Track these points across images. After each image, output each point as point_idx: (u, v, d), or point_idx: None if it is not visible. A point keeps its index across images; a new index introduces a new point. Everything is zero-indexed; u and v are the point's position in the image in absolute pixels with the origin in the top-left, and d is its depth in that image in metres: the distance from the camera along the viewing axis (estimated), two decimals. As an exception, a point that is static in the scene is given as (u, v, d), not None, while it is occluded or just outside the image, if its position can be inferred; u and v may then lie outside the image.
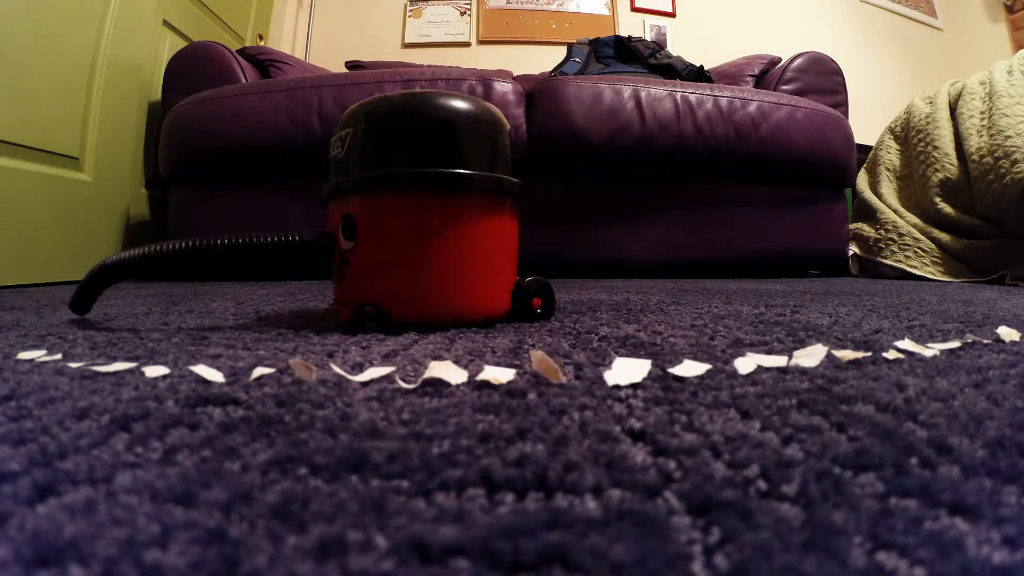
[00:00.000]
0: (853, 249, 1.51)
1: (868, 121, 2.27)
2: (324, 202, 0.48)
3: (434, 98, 0.43)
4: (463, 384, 0.26)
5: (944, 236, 1.33)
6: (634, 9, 2.67)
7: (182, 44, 1.56)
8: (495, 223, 0.45)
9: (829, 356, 0.32)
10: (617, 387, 0.25)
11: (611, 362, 0.30)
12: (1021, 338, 0.39)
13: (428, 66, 1.72)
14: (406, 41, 2.57)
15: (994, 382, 0.26)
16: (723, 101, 1.30)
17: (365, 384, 0.26)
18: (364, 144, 0.44)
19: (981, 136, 1.30)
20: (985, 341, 0.37)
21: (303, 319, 0.50)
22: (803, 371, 0.28)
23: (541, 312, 0.49)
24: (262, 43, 2.25)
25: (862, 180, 1.63)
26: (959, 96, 1.44)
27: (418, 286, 0.43)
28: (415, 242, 0.43)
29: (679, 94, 1.29)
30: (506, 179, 0.45)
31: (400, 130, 0.43)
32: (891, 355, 0.32)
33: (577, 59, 1.74)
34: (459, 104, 0.44)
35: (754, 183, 1.35)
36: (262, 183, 1.27)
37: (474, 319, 0.45)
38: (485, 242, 0.45)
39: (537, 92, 1.29)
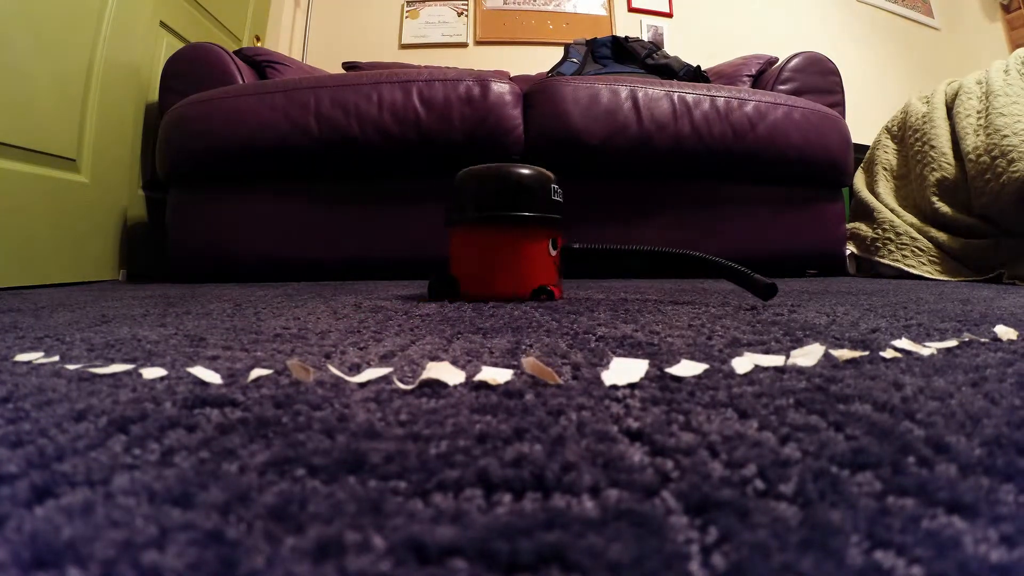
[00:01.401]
0: (850, 248, 1.51)
1: (865, 121, 2.28)
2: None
3: (508, 168, 0.70)
4: (460, 385, 0.26)
5: (941, 235, 1.33)
6: (631, 9, 2.67)
7: (179, 45, 1.56)
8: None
9: (827, 355, 0.32)
10: (615, 387, 0.25)
11: (608, 362, 0.30)
12: (1018, 337, 0.39)
13: (425, 67, 1.72)
14: (403, 42, 2.57)
15: (991, 381, 0.26)
16: (720, 101, 1.30)
17: (363, 385, 0.26)
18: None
19: (978, 135, 1.31)
20: (982, 340, 0.38)
21: (300, 319, 0.50)
22: (800, 370, 0.28)
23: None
24: (259, 44, 2.25)
25: (859, 180, 1.63)
26: (956, 95, 1.45)
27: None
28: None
29: (676, 94, 1.29)
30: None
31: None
32: (888, 354, 0.32)
33: (574, 59, 1.74)
34: (522, 171, 0.69)
35: (751, 183, 1.35)
36: (260, 184, 1.27)
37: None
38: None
39: (534, 93, 1.29)
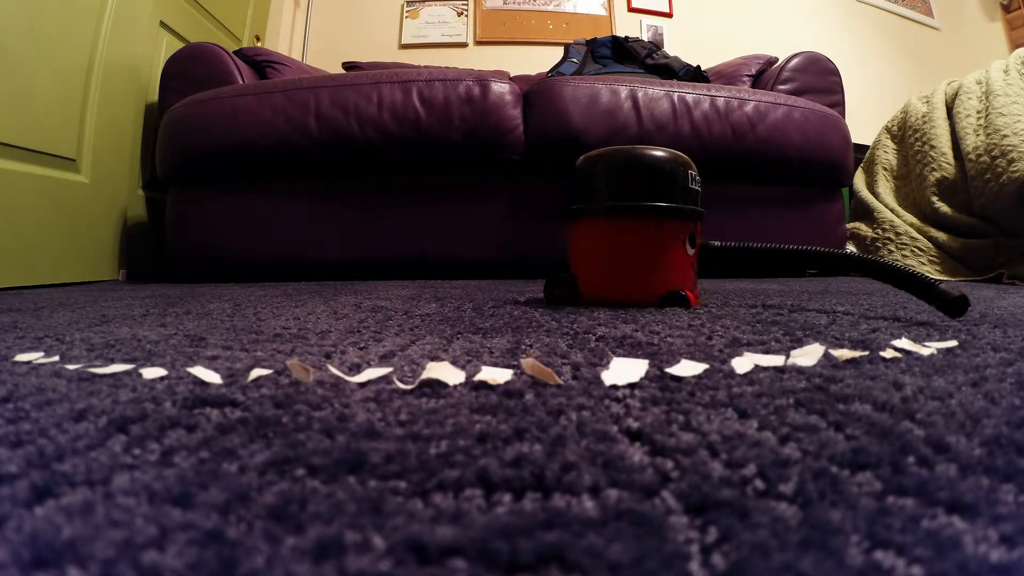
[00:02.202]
0: (850, 248, 1.52)
1: (865, 121, 2.28)
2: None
3: (640, 150, 0.62)
4: (460, 385, 0.26)
5: (941, 235, 1.33)
6: (631, 9, 2.67)
7: (179, 45, 1.56)
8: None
9: (826, 355, 0.32)
10: (614, 387, 0.25)
11: (608, 362, 0.30)
12: (1018, 336, 0.39)
13: (425, 67, 1.72)
14: (403, 42, 2.57)
15: (991, 380, 0.26)
16: (720, 101, 1.30)
17: (363, 385, 0.26)
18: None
19: (978, 135, 1.31)
20: (982, 340, 0.38)
21: (300, 319, 0.50)
22: (800, 370, 0.28)
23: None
24: (259, 44, 2.25)
25: (859, 180, 1.63)
26: (956, 95, 1.45)
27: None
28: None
29: (676, 94, 1.29)
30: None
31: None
32: (888, 354, 0.32)
33: (574, 59, 1.74)
34: (657, 153, 0.62)
35: (751, 183, 1.35)
36: (260, 184, 1.27)
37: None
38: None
39: (534, 93, 1.29)
